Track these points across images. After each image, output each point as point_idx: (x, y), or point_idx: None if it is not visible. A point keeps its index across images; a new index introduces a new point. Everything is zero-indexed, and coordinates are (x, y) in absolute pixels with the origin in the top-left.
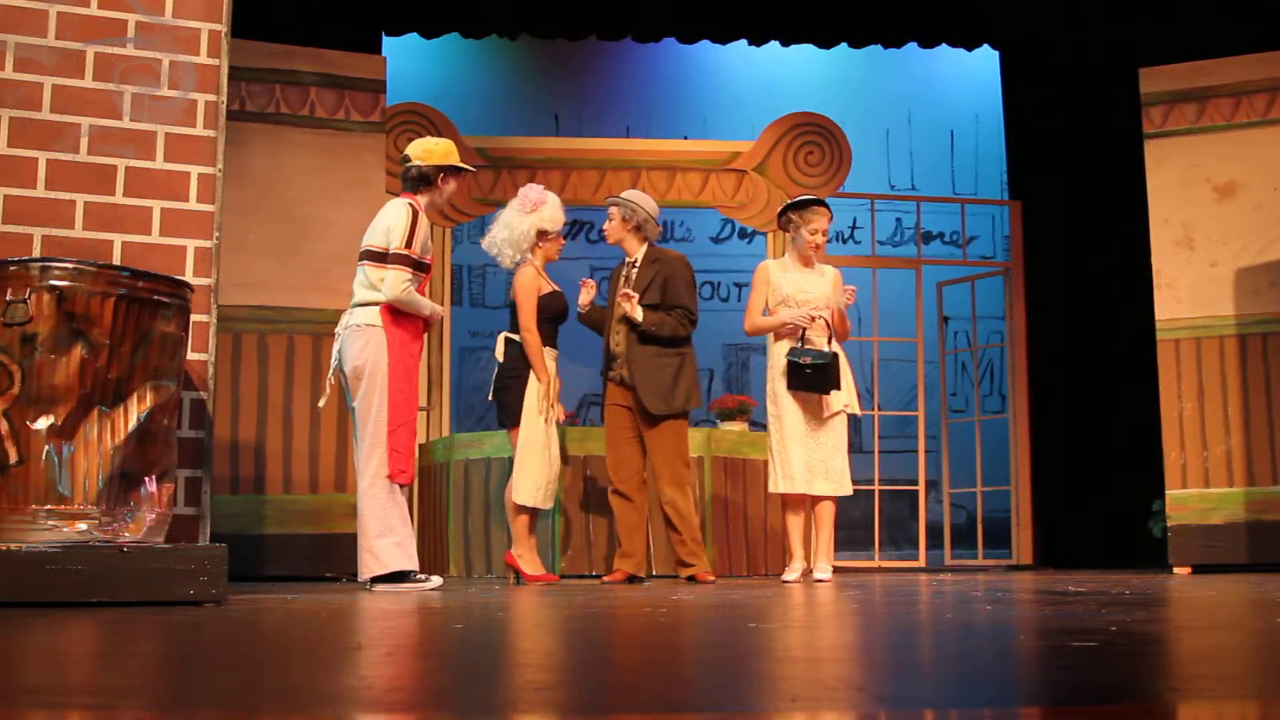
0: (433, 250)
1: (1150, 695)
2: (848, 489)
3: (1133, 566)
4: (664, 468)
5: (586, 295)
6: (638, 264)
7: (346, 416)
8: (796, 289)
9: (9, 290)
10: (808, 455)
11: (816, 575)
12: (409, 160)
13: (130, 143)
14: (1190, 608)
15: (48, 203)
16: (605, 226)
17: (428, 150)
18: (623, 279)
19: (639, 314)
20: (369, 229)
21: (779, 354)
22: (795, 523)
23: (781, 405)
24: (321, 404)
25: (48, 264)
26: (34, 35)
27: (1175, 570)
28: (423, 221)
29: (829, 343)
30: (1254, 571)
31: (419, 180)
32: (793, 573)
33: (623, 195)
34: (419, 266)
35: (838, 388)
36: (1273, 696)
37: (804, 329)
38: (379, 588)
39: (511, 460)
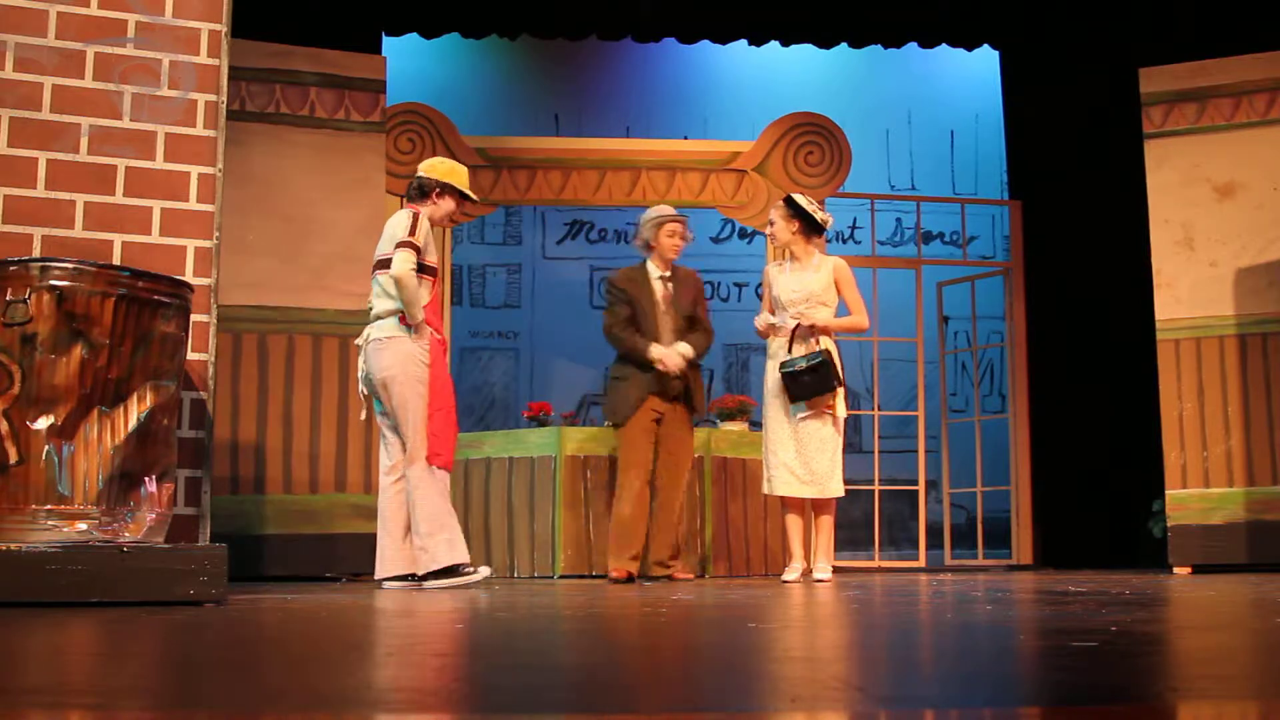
0: (438, 258)
1: (1150, 695)
2: (834, 491)
3: (1133, 566)
4: (688, 469)
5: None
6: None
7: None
8: (785, 289)
9: (9, 290)
10: (787, 458)
11: (816, 575)
12: (416, 173)
13: (130, 143)
14: (1190, 608)
15: (48, 203)
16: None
17: (432, 166)
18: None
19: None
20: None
21: (774, 359)
22: (794, 523)
23: (767, 408)
24: (363, 417)
25: (48, 264)
26: (34, 35)
27: (1175, 570)
28: (423, 223)
29: (816, 343)
30: (1254, 571)
31: (417, 191)
32: (792, 573)
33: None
34: (424, 269)
35: (841, 383)
36: (1273, 696)
37: (791, 334)
38: (431, 584)
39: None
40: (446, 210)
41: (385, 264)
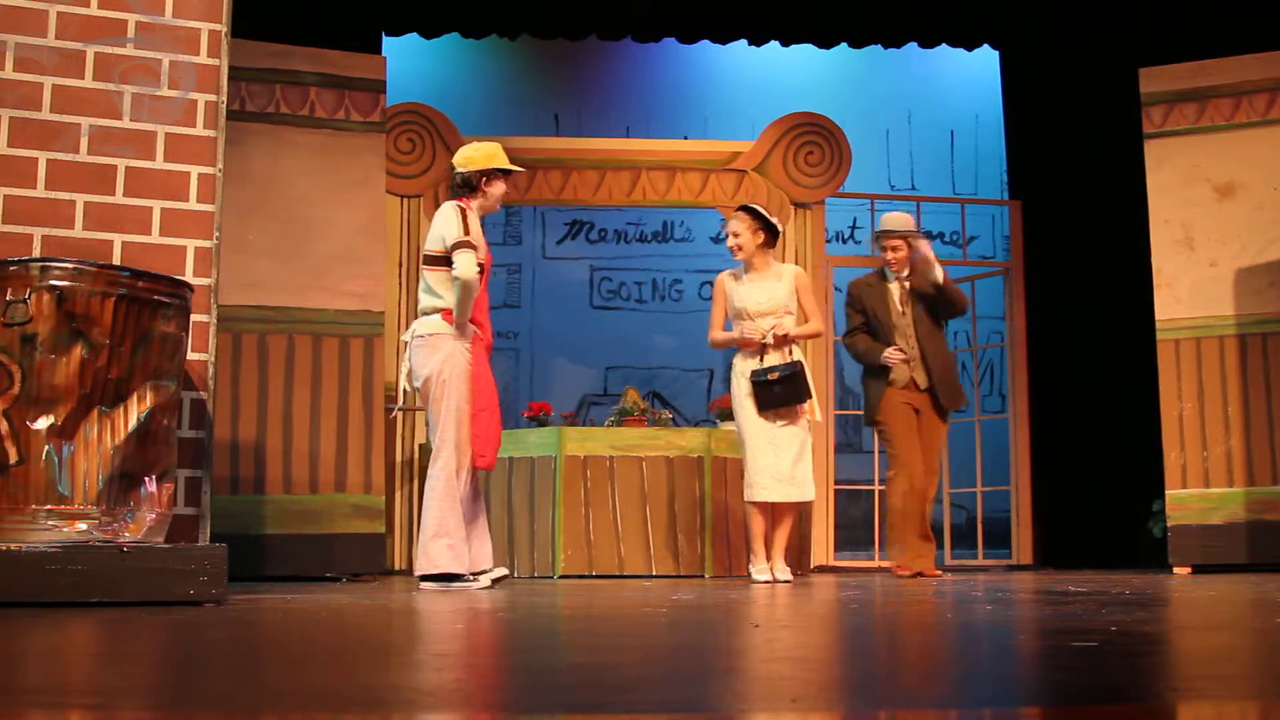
0: (489, 253)
1: (1150, 695)
2: (812, 494)
3: (1133, 566)
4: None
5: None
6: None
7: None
8: (749, 301)
9: (9, 290)
10: (770, 463)
11: (780, 577)
12: (454, 169)
13: (130, 143)
14: (1190, 608)
15: (48, 203)
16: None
17: (468, 158)
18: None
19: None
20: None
21: (740, 365)
22: (761, 524)
23: (743, 415)
24: (394, 414)
25: (48, 264)
26: (34, 35)
27: (1175, 570)
28: (473, 218)
29: (790, 353)
30: (1254, 571)
31: (463, 187)
32: (764, 573)
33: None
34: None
35: (810, 396)
36: (1273, 696)
37: (764, 344)
38: (426, 586)
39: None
40: (499, 194)
41: (432, 260)
